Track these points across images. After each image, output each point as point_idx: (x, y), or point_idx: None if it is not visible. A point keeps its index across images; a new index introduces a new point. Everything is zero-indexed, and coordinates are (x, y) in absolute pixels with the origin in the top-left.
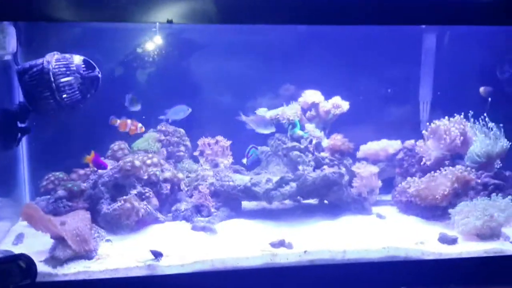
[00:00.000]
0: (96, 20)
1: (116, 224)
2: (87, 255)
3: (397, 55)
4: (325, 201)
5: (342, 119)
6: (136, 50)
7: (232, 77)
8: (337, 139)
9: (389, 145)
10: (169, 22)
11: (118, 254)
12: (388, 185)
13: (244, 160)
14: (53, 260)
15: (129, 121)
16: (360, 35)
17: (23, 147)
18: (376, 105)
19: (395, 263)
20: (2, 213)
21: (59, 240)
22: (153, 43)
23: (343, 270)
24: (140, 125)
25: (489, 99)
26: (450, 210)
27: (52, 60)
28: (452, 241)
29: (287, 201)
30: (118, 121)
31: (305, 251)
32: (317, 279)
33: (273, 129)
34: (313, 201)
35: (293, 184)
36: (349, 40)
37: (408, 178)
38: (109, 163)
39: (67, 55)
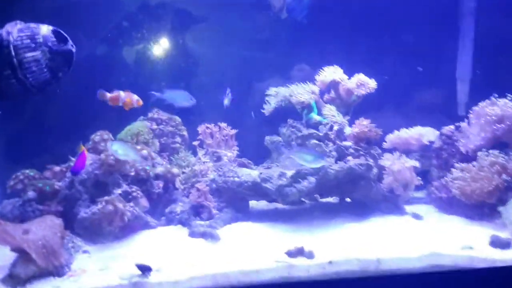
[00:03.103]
0: None
1: (95, 231)
2: (57, 272)
3: (429, 26)
4: (347, 199)
5: (365, 104)
6: (122, 24)
7: (236, 55)
8: (363, 125)
9: (423, 133)
10: None
11: (97, 269)
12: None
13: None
14: (12, 279)
15: (122, 93)
16: (384, 4)
17: None
18: (404, 87)
19: (440, 274)
20: None
21: (21, 253)
22: (142, 15)
23: (377, 284)
24: (136, 97)
25: None
26: (500, 208)
27: (13, 30)
28: (507, 244)
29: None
30: (108, 94)
31: (329, 262)
32: None
33: (193, 102)
34: (332, 199)
35: (312, 179)
36: (372, 11)
37: (452, 170)
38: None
39: (33, 25)
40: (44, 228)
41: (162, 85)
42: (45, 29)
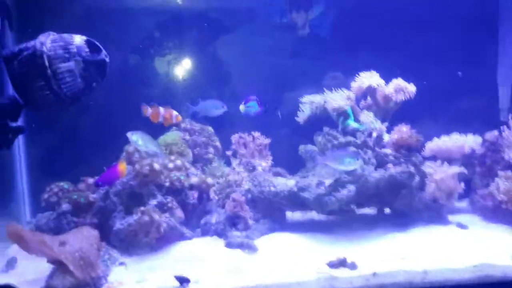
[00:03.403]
0: None
1: (132, 243)
2: (94, 283)
3: (468, 31)
4: (386, 210)
5: (402, 111)
6: (154, 34)
7: (267, 64)
8: (403, 131)
9: (464, 140)
10: None
11: (134, 281)
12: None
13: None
14: None
15: (161, 109)
16: (420, 7)
17: (21, 154)
18: (443, 93)
19: (491, 285)
20: None
21: (58, 265)
22: (173, 25)
23: None
24: (175, 113)
25: None
26: None
27: (46, 41)
28: None
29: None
30: (149, 109)
31: (373, 273)
32: None
33: (224, 109)
34: (370, 210)
35: (352, 187)
36: (408, 15)
37: (497, 179)
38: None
39: (66, 35)
40: (81, 240)
41: (196, 97)
42: (78, 39)
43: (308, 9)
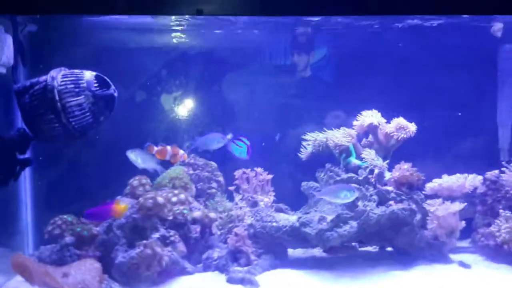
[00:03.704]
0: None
1: (133, 276)
2: None
3: (468, 72)
4: (388, 248)
5: (403, 151)
6: (161, 72)
7: (270, 102)
8: (404, 169)
9: (465, 179)
10: (199, 13)
11: None
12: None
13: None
14: None
15: (168, 147)
16: (421, 49)
17: (26, 187)
18: (444, 133)
19: None
20: None
21: None
22: (180, 64)
23: None
24: (182, 151)
25: None
26: None
27: (58, 76)
28: None
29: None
30: (155, 148)
31: None
32: None
33: (225, 141)
34: (372, 248)
35: (353, 224)
36: (409, 57)
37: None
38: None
39: (76, 71)
40: (84, 272)
41: (198, 134)
42: (88, 75)
43: (309, 52)
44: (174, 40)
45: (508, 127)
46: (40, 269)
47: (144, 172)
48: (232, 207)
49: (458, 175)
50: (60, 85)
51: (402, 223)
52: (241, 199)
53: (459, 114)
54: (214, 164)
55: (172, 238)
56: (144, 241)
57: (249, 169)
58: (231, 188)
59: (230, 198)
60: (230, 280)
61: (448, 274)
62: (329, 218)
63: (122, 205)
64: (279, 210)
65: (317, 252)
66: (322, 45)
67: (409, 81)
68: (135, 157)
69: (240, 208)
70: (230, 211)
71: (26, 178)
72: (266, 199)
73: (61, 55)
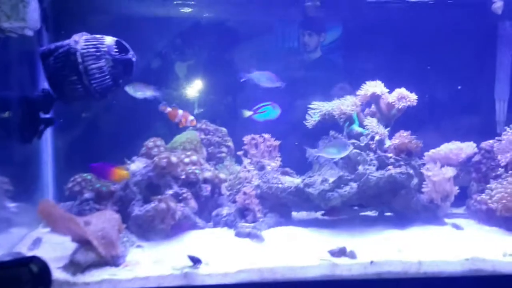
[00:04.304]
0: None
1: (148, 228)
2: (113, 261)
3: (469, 47)
4: (387, 214)
5: (404, 120)
6: (175, 41)
7: (279, 72)
8: (404, 136)
9: (461, 148)
10: None
11: (150, 261)
12: (459, 195)
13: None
14: (73, 266)
15: (180, 111)
16: (424, 23)
17: (47, 146)
18: (444, 105)
19: (481, 278)
20: (19, 218)
21: (81, 243)
22: (194, 33)
23: (418, 285)
24: (191, 117)
25: None
26: None
27: (80, 40)
28: None
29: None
30: (169, 108)
31: (371, 262)
32: None
33: (278, 84)
34: (371, 213)
35: (354, 185)
36: (412, 32)
37: (492, 184)
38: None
39: (98, 36)
40: (103, 221)
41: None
42: (109, 40)
43: (320, 33)
44: (187, 10)
45: (505, 101)
46: (65, 215)
47: (157, 136)
48: (240, 169)
49: (454, 143)
50: (83, 49)
51: (399, 186)
52: (249, 163)
53: (459, 87)
54: (224, 129)
55: (184, 195)
56: (159, 196)
57: (258, 135)
58: (240, 153)
59: (239, 163)
60: (238, 234)
61: (441, 234)
62: (331, 179)
63: (124, 172)
64: (285, 174)
65: (319, 215)
66: (335, 26)
67: (410, 55)
68: (132, 90)
69: (248, 171)
70: (238, 173)
71: (47, 138)
72: (273, 163)
73: (81, 22)
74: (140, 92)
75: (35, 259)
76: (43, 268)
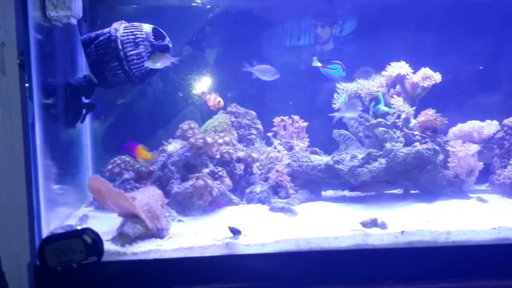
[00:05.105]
0: None
1: (187, 205)
2: (158, 234)
3: (490, 29)
4: (413, 191)
5: (427, 102)
6: (205, 29)
7: (305, 56)
8: (429, 114)
9: (485, 126)
10: None
11: (192, 233)
12: (482, 173)
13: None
14: (121, 238)
15: (214, 95)
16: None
17: (87, 131)
18: (466, 85)
19: (508, 246)
20: (63, 199)
21: (128, 217)
22: (222, 21)
23: (448, 253)
24: (219, 99)
25: None
26: None
27: (120, 28)
28: None
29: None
30: (208, 95)
31: (402, 232)
32: (416, 263)
33: (277, 76)
34: (397, 191)
35: (382, 161)
36: (434, 12)
37: None
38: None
39: (136, 24)
40: (148, 197)
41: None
42: (147, 27)
43: (332, 25)
44: None
45: None
46: (114, 191)
47: (189, 117)
48: (271, 150)
49: (478, 121)
50: (123, 36)
51: (426, 162)
52: (279, 143)
53: (481, 67)
54: (253, 112)
55: (220, 173)
56: (197, 174)
57: (287, 117)
58: (270, 134)
59: (268, 145)
60: (272, 209)
61: (467, 206)
62: (360, 156)
63: (145, 152)
64: (313, 153)
65: (347, 193)
66: (350, 18)
67: (433, 36)
68: (151, 62)
69: (278, 151)
70: (269, 153)
71: (87, 123)
72: (301, 144)
73: (115, 12)
74: (159, 63)
75: (88, 231)
76: (96, 239)
